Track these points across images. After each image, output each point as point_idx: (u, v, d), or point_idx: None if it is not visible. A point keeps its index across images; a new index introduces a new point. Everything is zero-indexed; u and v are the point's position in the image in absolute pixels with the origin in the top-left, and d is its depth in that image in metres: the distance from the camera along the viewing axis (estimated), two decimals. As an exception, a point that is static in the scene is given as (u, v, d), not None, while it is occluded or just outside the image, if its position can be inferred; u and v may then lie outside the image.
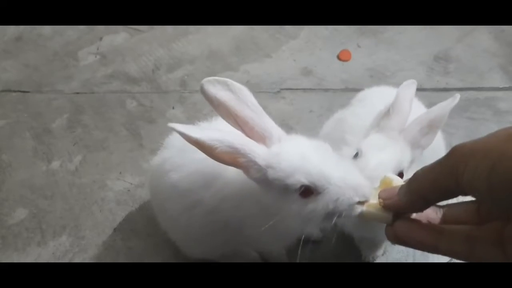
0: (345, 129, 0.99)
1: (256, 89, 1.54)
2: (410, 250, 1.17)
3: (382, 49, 1.66)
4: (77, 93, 1.56)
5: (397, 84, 0.90)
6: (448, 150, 0.43)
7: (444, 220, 0.52)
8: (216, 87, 0.70)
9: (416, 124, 0.85)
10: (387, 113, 0.86)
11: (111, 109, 1.50)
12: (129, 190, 1.29)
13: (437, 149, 1.05)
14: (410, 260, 1.16)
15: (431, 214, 0.52)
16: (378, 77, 1.56)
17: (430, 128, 0.85)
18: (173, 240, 1.06)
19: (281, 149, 0.69)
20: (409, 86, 0.88)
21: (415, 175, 0.47)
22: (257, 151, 0.69)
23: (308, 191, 0.67)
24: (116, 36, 1.75)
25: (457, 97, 0.85)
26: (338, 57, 1.64)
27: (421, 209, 0.50)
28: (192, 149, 0.84)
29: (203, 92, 0.70)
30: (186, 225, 0.93)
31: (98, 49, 1.70)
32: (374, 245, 1.14)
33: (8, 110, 1.51)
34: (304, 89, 1.54)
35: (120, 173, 1.33)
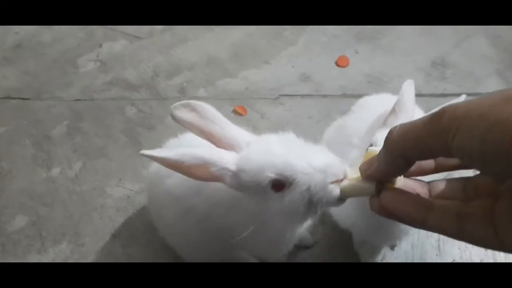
0: (350, 134, 0.99)
1: (255, 95, 1.55)
2: (409, 254, 1.18)
3: (380, 55, 1.67)
4: (77, 100, 1.57)
5: (395, 90, 0.91)
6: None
7: (430, 196, 0.50)
8: (182, 111, 0.73)
9: None
10: (393, 111, 0.87)
11: (111, 116, 1.51)
12: (128, 197, 1.30)
13: None
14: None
15: (418, 188, 0.50)
16: (376, 83, 1.57)
17: None
18: (171, 246, 1.06)
19: (249, 151, 0.71)
20: (411, 85, 0.89)
21: (390, 133, 0.44)
22: (226, 158, 0.70)
23: (280, 185, 0.67)
24: (116, 43, 1.76)
25: (462, 97, 0.87)
26: (336, 63, 1.65)
27: (402, 170, 0.46)
28: None
29: (173, 118, 0.74)
30: (182, 232, 0.95)
31: (97, 56, 1.71)
32: (373, 251, 1.14)
33: (7, 117, 1.52)
34: (302, 95, 1.55)
35: (120, 179, 1.33)
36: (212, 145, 0.74)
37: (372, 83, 1.57)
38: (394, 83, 1.55)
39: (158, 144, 1.02)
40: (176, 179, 0.90)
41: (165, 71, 1.66)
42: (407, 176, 0.51)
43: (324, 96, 1.55)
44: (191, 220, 0.89)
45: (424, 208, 0.45)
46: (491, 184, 0.46)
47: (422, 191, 0.50)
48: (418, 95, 1.10)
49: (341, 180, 0.61)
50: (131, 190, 1.31)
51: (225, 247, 0.94)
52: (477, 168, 0.38)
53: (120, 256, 1.18)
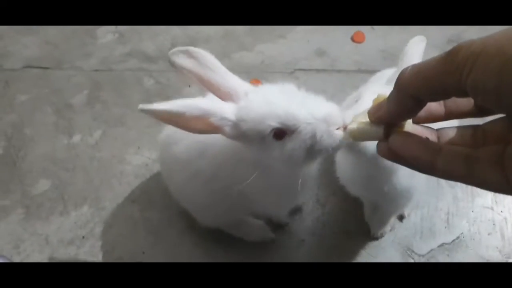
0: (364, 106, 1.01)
1: (270, 69, 1.57)
2: (418, 226, 1.21)
3: (396, 31, 1.67)
4: (96, 70, 1.60)
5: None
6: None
7: (439, 142, 0.49)
8: (180, 57, 0.73)
9: None
10: (396, 72, 0.87)
11: (129, 87, 1.54)
12: (147, 165, 1.34)
13: None
14: (417, 237, 1.19)
15: (427, 134, 0.49)
16: (391, 59, 1.57)
17: None
18: (186, 211, 1.11)
19: (248, 101, 0.72)
20: (418, 43, 0.88)
21: (402, 73, 0.43)
22: (225, 108, 0.71)
23: (281, 133, 0.69)
24: (134, 15, 1.78)
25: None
26: (352, 39, 1.66)
27: (413, 111, 0.45)
28: None
29: (171, 64, 0.74)
30: (191, 194, 1.00)
31: (116, 27, 1.73)
32: (382, 221, 1.18)
33: (29, 85, 1.56)
34: (317, 70, 1.57)
35: (138, 148, 1.38)
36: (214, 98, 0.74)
37: (388, 59, 1.58)
38: (409, 60, 1.55)
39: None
40: (181, 146, 0.93)
41: (182, 43, 1.68)
42: (416, 122, 0.50)
43: (339, 71, 1.56)
44: (198, 182, 0.93)
45: (432, 151, 0.45)
46: (501, 131, 0.46)
47: (431, 137, 0.49)
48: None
49: (345, 128, 0.62)
50: (148, 158, 1.35)
51: (234, 208, 0.98)
52: (491, 106, 0.37)
53: (138, 220, 1.24)
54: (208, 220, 1.11)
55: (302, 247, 1.19)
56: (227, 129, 0.71)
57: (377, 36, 1.66)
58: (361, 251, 1.18)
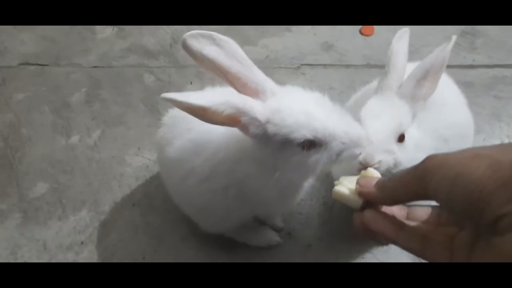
0: None
1: (275, 65, 1.51)
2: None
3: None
4: (95, 67, 1.55)
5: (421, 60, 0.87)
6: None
7: (407, 217, 0.57)
8: (201, 42, 0.67)
9: (412, 78, 0.85)
10: (385, 73, 0.86)
11: (129, 84, 1.49)
12: (147, 166, 1.29)
13: (466, 128, 1.03)
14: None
15: (396, 211, 0.57)
16: (402, 53, 1.51)
17: (428, 78, 0.85)
18: (187, 214, 1.07)
19: (281, 104, 0.69)
20: (402, 38, 0.88)
21: (393, 176, 0.52)
22: (256, 108, 0.68)
23: (311, 144, 0.68)
24: (133, 9, 1.72)
25: (453, 38, 0.85)
26: (361, 32, 1.59)
27: (388, 205, 0.55)
28: (181, 122, 0.84)
29: (185, 47, 0.67)
30: (187, 195, 0.96)
31: (115, 21, 1.67)
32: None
33: (26, 83, 1.51)
34: (324, 65, 1.50)
35: (139, 148, 1.33)
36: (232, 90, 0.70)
37: (398, 53, 1.51)
38: (421, 53, 1.48)
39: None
40: (174, 146, 0.89)
41: (184, 38, 1.62)
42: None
43: (347, 66, 1.50)
44: (193, 182, 0.88)
45: (396, 228, 0.53)
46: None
47: (399, 213, 0.57)
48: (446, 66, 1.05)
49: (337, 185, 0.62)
50: (149, 159, 1.31)
51: (233, 211, 0.93)
52: (447, 210, 0.47)
53: (139, 224, 1.19)
54: (209, 225, 1.06)
55: (309, 252, 1.14)
56: (252, 128, 0.68)
57: (387, 29, 1.59)
58: (370, 256, 1.13)
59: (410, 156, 0.81)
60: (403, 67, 0.87)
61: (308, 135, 0.67)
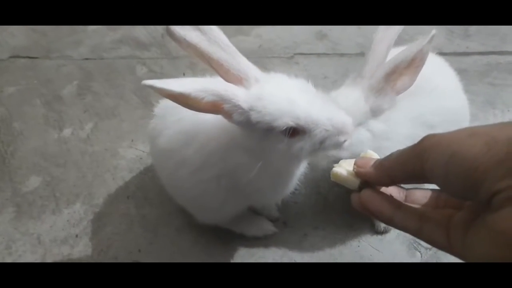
0: None
1: (269, 54, 1.50)
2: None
3: (400, 11, 1.59)
4: (86, 59, 1.53)
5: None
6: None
7: (405, 200, 0.57)
8: (185, 28, 0.68)
9: (380, 71, 0.83)
10: (365, 61, 0.86)
11: (121, 76, 1.48)
12: (141, 158, 1.29)
13: (459, 114, 1.02)
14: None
15: (395, 193, 0.57)
16: (396, 41, 1.49)
17: (403, 72, 0.83)
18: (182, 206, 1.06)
19: (263, 91, 0.69)
20: (387, 29, 0.86)
21: (390, 154, 0.52)
22: (239, 95, 0.68)
23: (294, 132, 0.69)
24: (124, -1, 1.70)
25: (432, 32, 0.82)
26: (354, 20, 1.58)
27: (386, 185, 0.55)
28: (172, 113, 0.84)
29: (170, 34, 0.68)
30: (179, 186, 0.95)
31: (106, 13, 1.65)
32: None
33: (17, 76, 1.49)
34: (318, 54, 1.50)
35: (132, 141, 1.32)
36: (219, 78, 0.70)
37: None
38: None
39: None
40: (165, 136, 0.89)
41: (176, 28, 1.60)
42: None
43: (341, 55, 1.49)
44: (185, 172, 0.88)
45: (393, 208, 0.53)
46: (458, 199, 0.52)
47: (398, 195, 0.57)
48: (439, 54, 1.05)
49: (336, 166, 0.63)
50: (143, 151, 1.30)
51: (226, 201, 0.93)
52: (443, 189, 0.45)
53: (134, 217, 1.18)
54: (204, 216, 1.06)
55: (305, 242, 1.14)
56: (235, 115, 0.69)
57: (380, 16, 1.58)
58: (365, 245, 1.14)
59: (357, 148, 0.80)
60: (383, 56, 0.85)
61: (291, 122, 0.67)
